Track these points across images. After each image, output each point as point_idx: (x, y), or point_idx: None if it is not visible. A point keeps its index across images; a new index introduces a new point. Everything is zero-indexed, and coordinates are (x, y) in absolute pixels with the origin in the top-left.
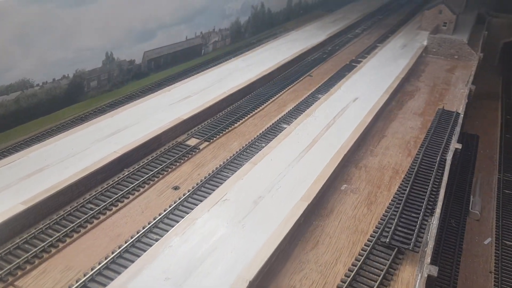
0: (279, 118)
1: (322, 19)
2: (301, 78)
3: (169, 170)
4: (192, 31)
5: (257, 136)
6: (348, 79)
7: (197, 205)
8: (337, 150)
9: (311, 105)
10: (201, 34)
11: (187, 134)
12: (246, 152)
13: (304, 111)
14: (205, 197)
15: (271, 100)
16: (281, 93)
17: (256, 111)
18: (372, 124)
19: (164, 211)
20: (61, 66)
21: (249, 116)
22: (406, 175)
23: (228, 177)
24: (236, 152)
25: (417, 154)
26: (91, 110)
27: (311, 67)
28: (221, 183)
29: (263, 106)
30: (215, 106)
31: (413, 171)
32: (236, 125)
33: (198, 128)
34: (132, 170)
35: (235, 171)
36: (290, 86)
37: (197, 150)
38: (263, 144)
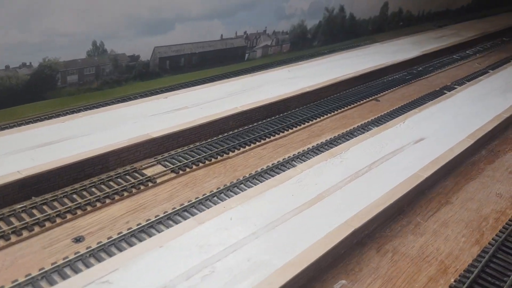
0: (298, 153)
1: (425, 33)
2: (362, 102)
3: (89, 209)
4: (231, 29)
5: (250, 175)
6: (423, 110)
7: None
8: (351, 216)
9: (352, 139)
10: (245, 35)
11: (155, 159)
12: (217, 198)
13: (332, 148)
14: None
15: (303, 125)
16: (322, 117)
17: (272, 138)
18: (432, 181)
19: (27, 277)
20: (19, 52)
21: (258, 144)
22: (459, 279)
23: (154, 234)
24: (205, 195)
25: (491, 243)
26: (63, 111)
27: (382, 89)
28: (134, 244)
29: (286, 133)
30: (213, 125)
31: (473, 273)
32: (231, 154)
33: (175, 152)
34: (39, 201)
35: (171, 227)
36: (340, 110)
37: (152, 184)
38: (247, 188)
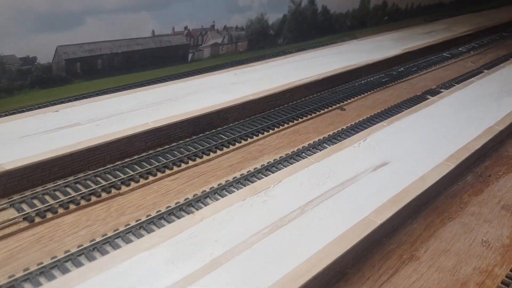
0: (218, 187)
1: (412, 28)
2: (323, 112)
3: None
4: (166, 24)
5: (137, 222)
6: (393, 122)
7: None
8: None
9: (288, 166)
10: (186, 31)
11: (8, 200)
12: (72, 262)
13: (262, 178)
14: None
15: (238, 144)
16: (268, 133)
17: (190, 163)
18: (392, 225)
19: None
20: None
21: (167, 172)
22: None
23: None
24: (53, 260)
25: None
26: None
27: (351, 95)
28: None
29: (213, 155)
30: (108, 148)
31: None
32: (124, 188)
33: (43, 189)
34: None
35: None
36: (293, 123)
37: None
38: (109, 248)
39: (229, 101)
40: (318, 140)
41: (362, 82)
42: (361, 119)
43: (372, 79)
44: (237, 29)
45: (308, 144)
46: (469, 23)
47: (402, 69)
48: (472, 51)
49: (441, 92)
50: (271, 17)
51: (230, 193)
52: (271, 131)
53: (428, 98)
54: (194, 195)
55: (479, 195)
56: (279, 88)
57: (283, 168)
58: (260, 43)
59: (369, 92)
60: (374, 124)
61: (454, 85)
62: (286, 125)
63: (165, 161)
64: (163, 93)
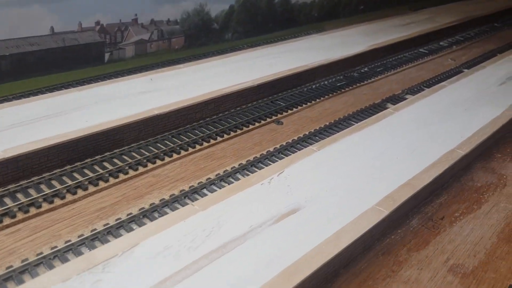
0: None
1: (389, 20)
2: (253, 127)
3: None
4: (69, 19)
5: None
6: (323, 147)
7: None
8: None
9: (150, 222)
10: (98, 26)
11: None
12: None
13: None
14: None
15: (115, 180)
16: (160, 162)
17: (28, 214)
18: None
19: None
20: None
21: None
22: None
23: None
24: None
25: None
26: None
27: (294, 104)
28: None
29: (66, 200)
30: None
31: None
32: None
33: None
34: None
35: None
36: (206, 145)
37: None
38: None
39: (127, 116)
40: (232, 168)
41: (313, 87)
42: (297, 137)
43: (326, 83)
44: (170, 22)
45: (217, 175)
46: (456, 12)
47: (366, 69)
48: (455, 46)
49: (406, 98)
50: (214, 9)
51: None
52: (175, 156)
53: (387, 108)
54: (22, 261)
55: (422, 250)
56: (201, 98)
57: (156, 218)
58: (201, 38)
59: (318, 100)
60: (311, 143)
61: (424, 89)
62: (199, 147)
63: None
64: (43, 107)
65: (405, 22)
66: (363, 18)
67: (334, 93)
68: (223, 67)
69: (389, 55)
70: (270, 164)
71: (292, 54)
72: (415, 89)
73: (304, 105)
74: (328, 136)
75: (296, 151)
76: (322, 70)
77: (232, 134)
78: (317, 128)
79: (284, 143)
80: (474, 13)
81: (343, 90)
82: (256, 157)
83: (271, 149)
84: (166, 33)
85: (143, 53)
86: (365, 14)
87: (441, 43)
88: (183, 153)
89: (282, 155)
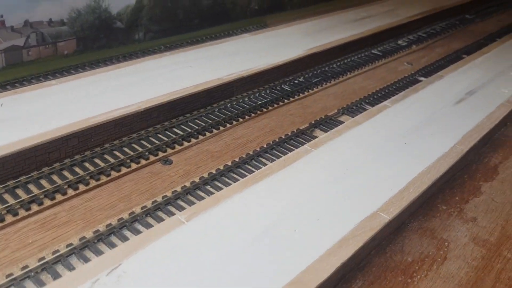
0: None
1: (344, 13)
2: (127, 171)
3: None
4: None
5: None
6: (193, 218)
7: None
8: None
9: None
10: None
11: None
12: None
13: None
14: None
15: None
16: None
17: None
18: None
19: None
20: None
21: None
22: None
23: None
24: None
25: None
26: None
27: (188, 135)
28: None
29: None
30: None
31: None
32: None
33: None
34: None
35: None
36: (47, 204)
37: None
38: None
39: None
40: (69, 247)
41: (227, 106)
42: (181, 187)
43: (246, 99)
44: (53, 23)
45: (40, 262)
46: (423, 2)
47: (300, 79)
48: (415, 45)
49: (340, 123)
50: (116, 4)
51: None
52: None
53: (310, 139)
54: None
55: None
56: (60, 132)
57: None
58: (101, 40)
59: (228, 125)
60: (198, 197)
61: (366, 108)
62: (35, 208)
63: None
64: None
65: (360, 16)
66: (314, 10)
67: (253, 114)
68: (110, 81)
69: (332, 60)
70: (123, 240)
71: (210, 62)
72: (355, 107)
73: (207, 134)
74: (225, 184)
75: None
76: (243, 84)
77: (93, 184)
78: (214, 171)
79: (160, 197)
80: (444, 3)
81: (265, 110)
82: (110, 224)
83: (137, 210)
84: (49, 37)
85: (18, 63)
86: (317, 5)
87: (399, 41)
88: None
89: (150, 221)
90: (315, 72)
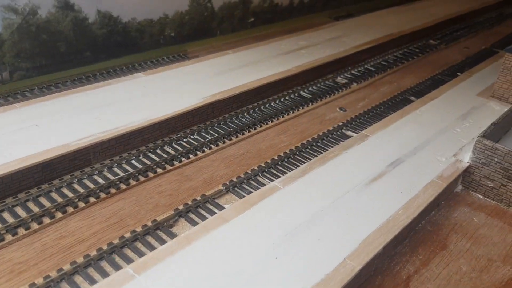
0: None
1: (276, 43)
2: None
3: None
4: None
5: None
6: None
7: None
8: None
9: None
10: None
11: None
12: None
13: None
14: None
15: None
16: None
17: None
18: None
19: None
20: None
21: None
22: None
23: None
24: None
25: None
26: None
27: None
28: None
29: None
30: None
31: None
32: None
33: None
34: None
35: None
36: None
37: None
38: None
39: None
40: None
41: (70, 183)
42: None
43: (98, 173)
44: None
45: None
46: (379, 27)
47: (190, 138)
48: (357, 82)
49: (213, 211)
50: None
51: None
52: None
53: (163, 239)
54: None
55: None
56: None
57: None
58: None
59: (59, 217)
60: None
61: (257, 187)
62: None
63: None
64: None
65: (297, 45)
66: (251, 35)
67: (104, 195)
68: None
69: (243, 107)
70: None
71: (69, 118)
72: (245, 182)
73: (20, 234)
74: None
75: None
76: (104, 149)
77: None
78: None
79: None
80: (404, 27)
81: (125, 187)
82: None
83: None
84: None
85: None
86: (255, 29)
87: (339, 78)
88: None
89: None
90: (215, 125)
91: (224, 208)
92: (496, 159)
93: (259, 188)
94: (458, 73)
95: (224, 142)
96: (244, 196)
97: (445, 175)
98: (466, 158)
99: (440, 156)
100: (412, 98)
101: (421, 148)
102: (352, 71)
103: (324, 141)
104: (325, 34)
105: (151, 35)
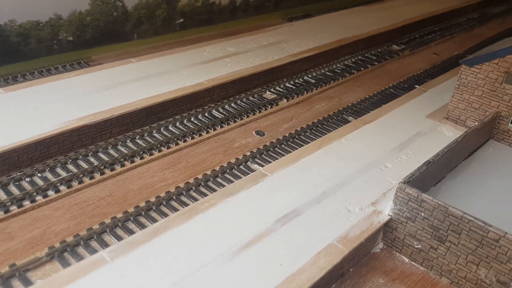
0: None
1: (203, 48)
2: None
3: None
4: None
5: None
6: None
7: None
8: None
9: None
10: None
11: None
12: None
13: None
14: None
15: None
16: None
17: None
18: None
19: None
20: None
21: None
22: None
23: None
24: None
25: None
26: None
27: None
28: None
29: None
30: None
31: None
32: None
33: None
34: None
35: None
36: None
37: None
38: None
39: None
40: None
41: None
42: None
43: None
44: None
45: None
46: (336, 28)
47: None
48: (287, 98)
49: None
50: None
51: None
52: None
53: None
54: None
55: None
56: None
57: None
58: None
59: None
60: None
61: (80, 257)
62: None
63: None
64: None
65: (224, 53)
66: (179, 38)
67: None
68: None
69: (120, 134)
70: None
71: None
72: (68, 250)
73: None
74: None
75: None
76: None
77: None
78: None
79: None
80: (364, 29)
81: None
82: None
83: None
84: None
85: None
86: (188, 31)
87: (268, 93)
88: None
89: None
90: (79, 158)
91: (32, 284)
92: (422, 214)
93: (84, 258)
94: (417, 86)
95: (80, 182)
96: (68, 266)
97: (351, 234)
98: (387, 209)
99: (354, 206)
100: (351, 118)
101: (330, 194)
102: (287, 84)
103: (218, 179)
104: (264, 39)
105: (39, 40)
